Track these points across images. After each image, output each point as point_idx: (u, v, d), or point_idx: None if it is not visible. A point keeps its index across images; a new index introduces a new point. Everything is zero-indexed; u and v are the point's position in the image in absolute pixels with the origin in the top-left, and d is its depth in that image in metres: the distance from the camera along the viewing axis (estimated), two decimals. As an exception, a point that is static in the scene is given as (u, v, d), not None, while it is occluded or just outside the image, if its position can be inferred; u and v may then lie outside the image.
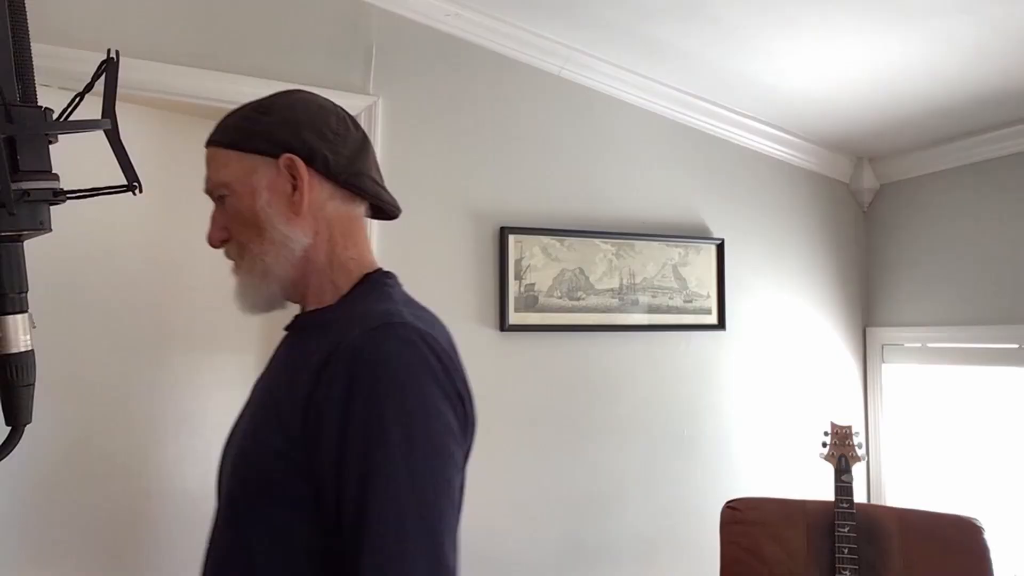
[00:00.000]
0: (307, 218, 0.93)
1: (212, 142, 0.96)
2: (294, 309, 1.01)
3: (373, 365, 0.80)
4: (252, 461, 0.88)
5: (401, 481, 0.77)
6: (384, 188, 1.02)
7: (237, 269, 0.96)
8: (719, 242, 2.60)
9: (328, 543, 0.80)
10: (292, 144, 0.92)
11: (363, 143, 0.99)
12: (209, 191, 0.96)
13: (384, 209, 1.04)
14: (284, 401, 0.85)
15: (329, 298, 0.95)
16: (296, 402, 0.82)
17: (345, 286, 0.96)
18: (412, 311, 0.91)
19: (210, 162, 0.95)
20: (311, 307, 0.97)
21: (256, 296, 0.95)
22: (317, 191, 0.93)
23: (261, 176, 0.92)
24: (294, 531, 0.82)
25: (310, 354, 0.85)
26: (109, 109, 0.71)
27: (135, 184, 0.72)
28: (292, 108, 0.95)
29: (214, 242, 0.97)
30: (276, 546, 0.83)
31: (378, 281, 0.97)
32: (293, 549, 0.82)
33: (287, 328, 0.99)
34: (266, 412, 0.89)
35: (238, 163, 0.92)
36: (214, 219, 0.96)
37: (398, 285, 0.99)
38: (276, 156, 0.91)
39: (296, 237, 0.92)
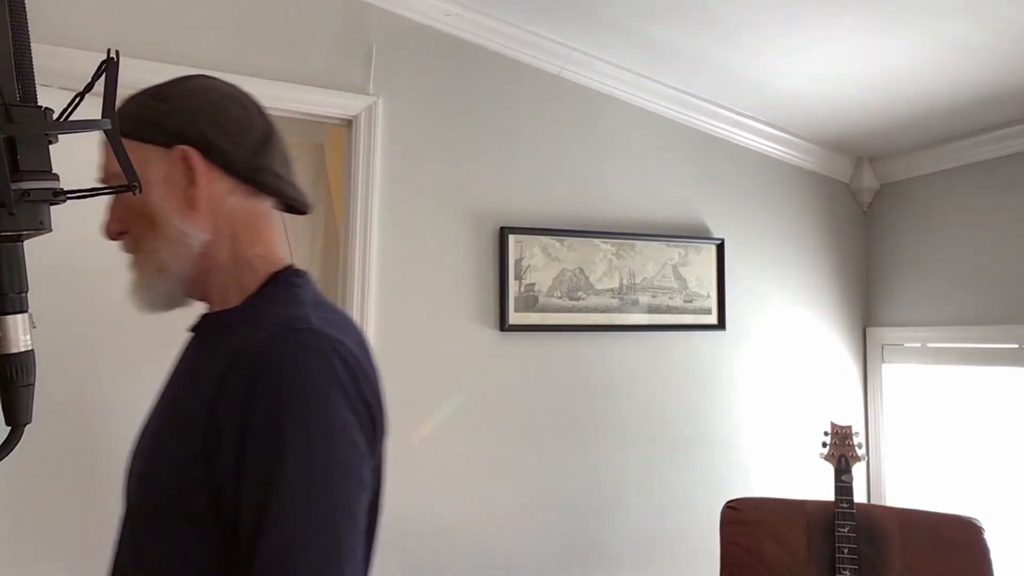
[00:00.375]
0: (205, 213, 0.87)
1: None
2: (199, 307, 0.97)
3: (276, 374, 0.76)
4: (155, 475, 0.84)
5: (297, 499, 0.73)
6: (290, 182, 0.94)
7: (133, 264, 0.91)
8: (719, 242, 2.60)
9: (228, 561, 0.76)
10: (187, 135, 0.86)
11: (268, 134, 0.92)
12: (104, 181, 0.90)
13: (295, 205, 0.97)
14: (187, 414, 0.80)
15: (234, 298, 0.90)
16: (198, 415, 0.78)
17: (251, 285, 0.90)
18: (321, 314, 0.84)
19: (103, 151, 0.90)
20: (216, 307, 0.92)
21: (152, 293, 0.90)
22: (216, 185, 0.87)
23: (155, 168, 0.86)
24: (194, 548, 0.79)
25: (213, 361, 0.81)
26: (109, 109, 0.71)
27: (135, 184, 0.72)
28: (190, 95, 0.90)
29: (111, 234, 0.91)
30: (175, 562, 0.80)
31: (286, 281, 0.91)
32: (192, 566, 0.79)
33: (192, 329, 0.95)
34: (170, 425, 0.86)
35: (132, 153, 0.87)
36: (111, 210, 0.90)
37: (309, 285, 0.92)
38: (171, 147, 0.86)
39: (193, 233, 0.87)
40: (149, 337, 2.00)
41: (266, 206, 0.93)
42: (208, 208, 0.87)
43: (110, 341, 1.93)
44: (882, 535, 1.83)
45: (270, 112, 0.98)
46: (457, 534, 2.17)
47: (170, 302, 0.92)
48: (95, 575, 1.85)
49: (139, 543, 0.85)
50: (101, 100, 0.71)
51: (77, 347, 1.87)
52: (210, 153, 0.86)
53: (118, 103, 0.72)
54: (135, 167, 0.80)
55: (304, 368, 0.77)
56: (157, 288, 0.90)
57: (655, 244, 2.49)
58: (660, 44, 2.24)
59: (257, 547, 0.72)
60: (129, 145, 0.84)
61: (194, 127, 0.86)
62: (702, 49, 2.23)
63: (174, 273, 0.88)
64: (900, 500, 2.71)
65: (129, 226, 0.89)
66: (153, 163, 0.86)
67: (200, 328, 0.94)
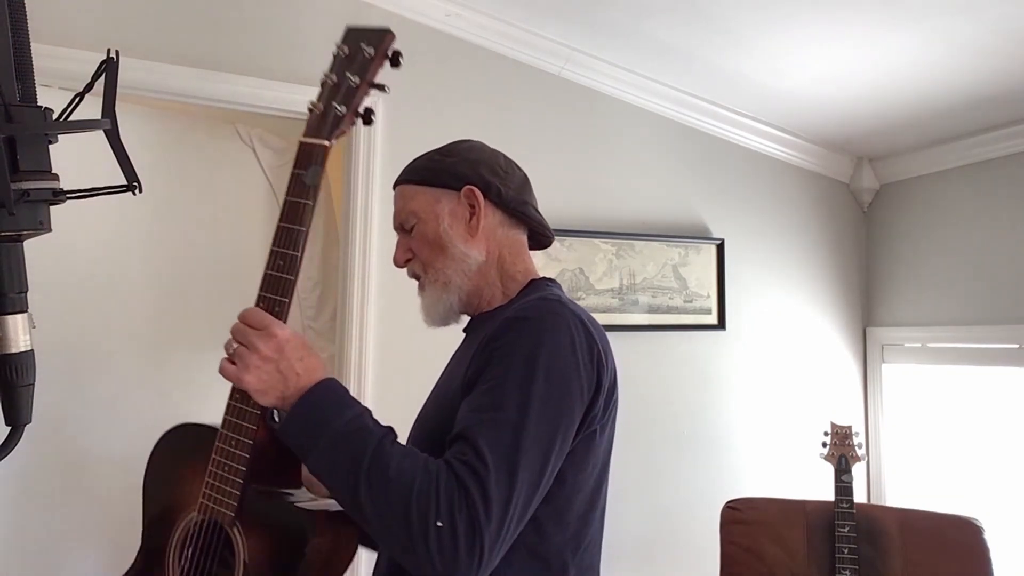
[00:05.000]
0: (481, 240, 1.09)
1: (402, 181, 1.13)
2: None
3: (523, 319, 0.96)
4: (435, 431, 0.98)
5: (506, 408, 0.88)
6: (541, 217, 1.17)
7: (422, 284, 1.12)
8: (719, 242, 2.60)
9: None
10: (471, 178, 1.09)
11: (525, 179, 1.17)
12: (400, 222, 1.12)
13: (539, 239, 1.19)
14: (454, 383, 1.00)
15: (499, 302, 1.11)
16: (464, 375, 0.96)
17: (514, 292, 1.11)
18: (566, 298, 1.04)
19: (399, 198, 1.13)
20: (484, 311, 1.12)
21: (439, 305, 1.09)
22: (490, 217, 1.10)
23: (444, 205, 1.09)
24: None
25: (477, 341, 0.99)
26: (109, 109, 0.71)
27: (135, 184, 0.72)
28: (470, 151, 1.13)
29: (399, 262, 1.13)
30: None
31: (540, 283, 1.12)
32: None
33: (465, 330, 1.17)
34: (446, 390, 1.05)
35: (424, 195, 1.10)
36: (399, 244, 1.13)
37: (558, 287, 1.13)
38: (458, 189, 1.09)
39: (472, 254, 1.08)
40: (148, 337, 2.00)
41: (523, 235, 1.16)
42: (484, 236, 1.10)
43: (110, 341, 1.93)
44: (882, 535, 1.83)
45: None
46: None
47: (449, 314, 1.11)
48: (96, 571, 1.85)
49: None
50: (101, 100, 0.71)
51: (77, 347, 1.87)
52: (488, 192, 1.09)
53: (124, 103, 0.72)
54: (427, 205, 1.09)
55: (544, 319, 0.96)
56: (443, 301, 1.09)
57: (655, 244, 2.49)
58: (660, 44, 2.24)
59: (464, 407, 0.91)
60: (421, 190, 1.10)
61: (477, 173, 1.10)
62: (702, 49, 2.23)
63: (457, 286, 1.09)
64: (900, 500, 2.70)
65: (418, 254, 1.11)
66: (443, 201, 1.09)
67: (470, 327, 1.16)
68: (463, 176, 1.09)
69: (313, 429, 0.87)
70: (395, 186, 1.15)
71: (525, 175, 1.18)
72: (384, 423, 0.91)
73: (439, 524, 0.79)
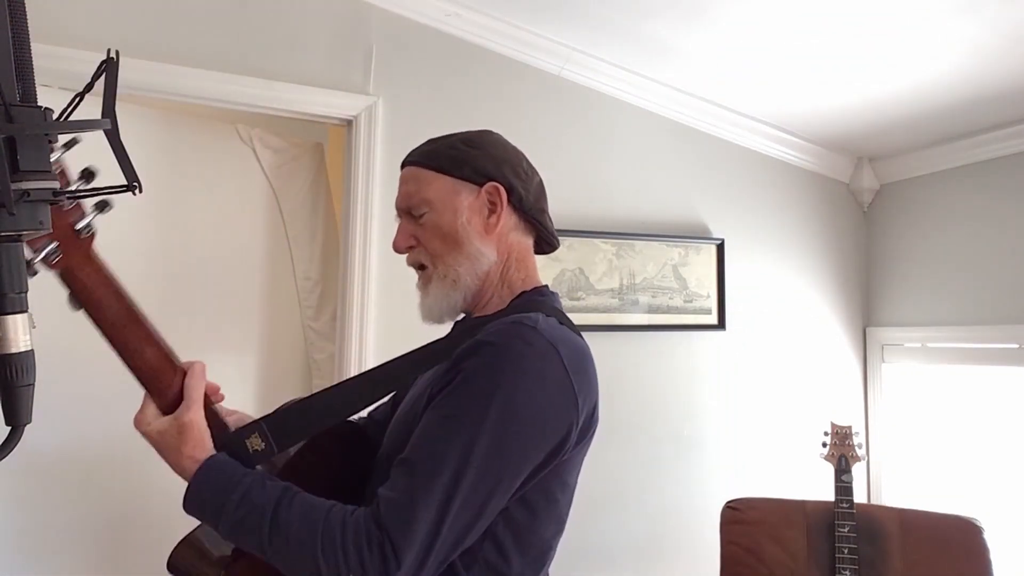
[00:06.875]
0: (494, 240, 1.06)
1: (417, 164, 1.08)
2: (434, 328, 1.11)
3: (488, 345, 0.92)
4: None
5: (451, 444, 0.86)
6: (551, 224, 1.14)
7: (429, 276, 1.07)
8: (719, 242, 2.60)
9: None
10: (495, 176, 1.05)
11: (542, 186, 1.14)
12: (409, 207, 1.07)
13: (542, 245, 1.16)
14: (425, 397, 0.97)
15: (492, 309, 1.07)
16: (431, 393, 0.95)
17: (508, 300, 1.08)
18: (548, 321, 0.98)
19: (412, 180, 1.07)
20: (476, 315, 1.09)
21: (443, 303, 1.06)
22: (507, 220, 1.07)
23: (464, 198, 1.04)
24: None
25: (452, 356, 0.96)
26: (109, 109, 0.71)
27: (135, 184, 0.72)
28: (495, 146, 1.09)
29: (400, 247, 1.08)
30: None
31: (530, 296, 1.08)
32: None
33: (452, 329, 1.14)
34: (415, 409, 1.00)
35: (442, 184, 1.05)
36: (402, 229, 1.08)
37: (549, 299, 1.09)
38: (480, 184, 1.05)
39: (487, 253, 1.05)
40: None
41: (530, 242, 1.13)
42: (497, 237, 1.06)
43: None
44: (882, 535, 1.83)
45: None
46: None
47: (452, 312, 1.08)
48: (94, 570, 1.85)
49: None
50: (101, 100, 0.71)
51: (77, 347, 1.87)
52: (511, 193, 1.06)
53: (124, 103, 0.72)
54: (446, 198, 1.04)
55: (514, 352, 0.91)
56: (449, 298, 1.05)
57: (655, 244, 2.49)
58: (660, 44, 2.23)
59: (401, 463, 0.88)
60: (440, 178, 1.05)
61: (500, 171, 1.06)
62: (702, 49, 2.23)
63: (465, 286, 1.05)
64: (900, 500, 2.70)
65: (426, 244, 1.06)
66: (462, 194, 1.05)
67: (456, 328, 1.13)
68: (487, 172, 1.05)
69: (210, 512, 0.91)
70: (405, 165, 1.10)
71: (542, 181, 1.14)
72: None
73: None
